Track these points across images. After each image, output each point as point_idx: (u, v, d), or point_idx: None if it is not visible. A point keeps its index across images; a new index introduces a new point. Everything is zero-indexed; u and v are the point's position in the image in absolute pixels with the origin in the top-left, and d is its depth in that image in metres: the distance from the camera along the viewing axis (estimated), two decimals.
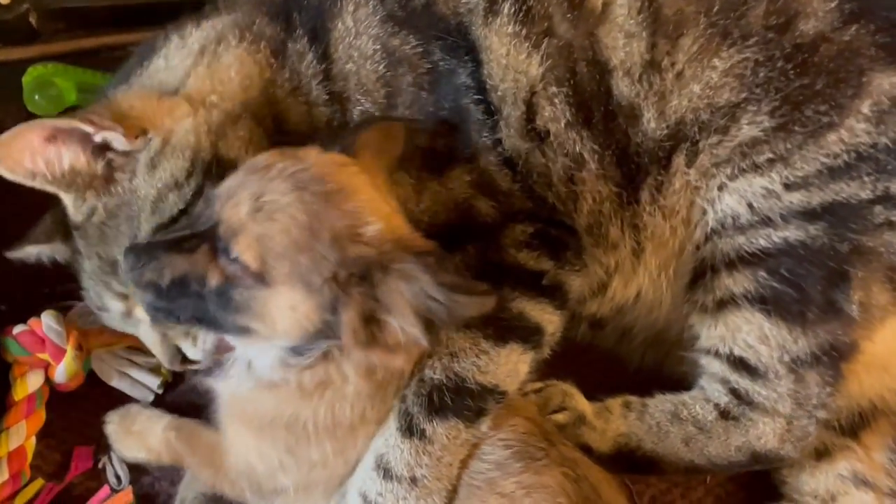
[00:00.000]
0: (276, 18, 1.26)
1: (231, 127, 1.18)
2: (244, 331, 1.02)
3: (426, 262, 0.97)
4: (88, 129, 1.12)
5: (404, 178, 1.21)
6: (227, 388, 1.15)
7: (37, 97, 1.51)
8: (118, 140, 1.13)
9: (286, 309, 0.99)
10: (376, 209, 1.02)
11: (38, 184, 1.14)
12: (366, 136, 1.11)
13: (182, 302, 1.01)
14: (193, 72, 1.21)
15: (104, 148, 1.14)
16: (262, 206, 0.97)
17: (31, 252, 1.27)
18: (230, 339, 1.10)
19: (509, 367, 1.17)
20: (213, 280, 0.99)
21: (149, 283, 1.01)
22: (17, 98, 1.53)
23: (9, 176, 1.13)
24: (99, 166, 1.15)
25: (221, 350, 1.19)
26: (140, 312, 1.22)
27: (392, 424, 1.13)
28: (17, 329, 1.35)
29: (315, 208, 0.97)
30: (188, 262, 0.99)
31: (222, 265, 0.99)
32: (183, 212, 1.15)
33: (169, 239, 1.02)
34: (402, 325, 0.98)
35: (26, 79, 1.51)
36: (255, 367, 1.10)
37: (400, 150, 1.16)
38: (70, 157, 1.13)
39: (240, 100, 1.20)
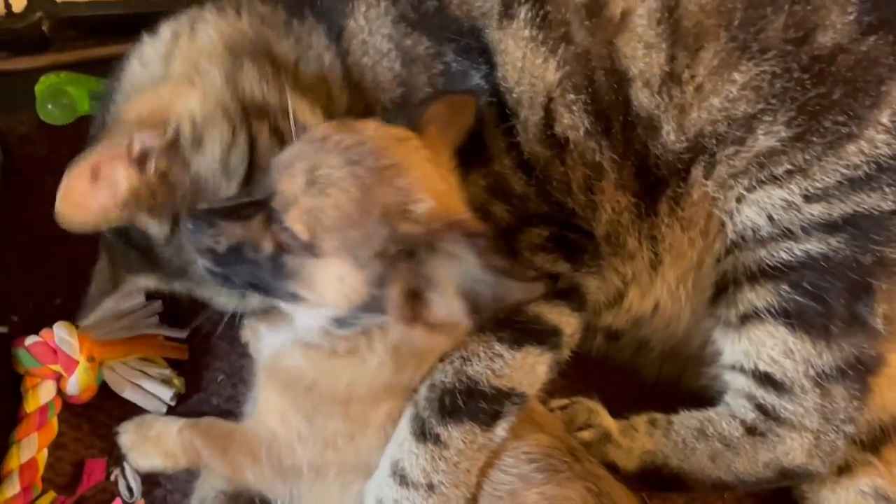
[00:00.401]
0: (275, 2, 1.25)
1: (236, 71, 1.16)
2: (294, 297, 1.05)
3: (475, 244, 0.98)
4: (120, 145, 1.10)
5: None
6: (269, 346, 1.18)
7: (49, 106, 1.50)
8: (150, 139, 1.11)
9: (334, 280, 1.01)
10: (430, 186, 1.03)
11: (114, 220, 1.13)
12: (434, 109, 1.11)
13: (238, 268, 1.04)
14: (174, 55, 1.20)
15: (144, 156, 1.12)
16: (315, 179, 0.99)
17: (96, 316, 1.27)
18: (281, 304, 1.12)
19: (526, 369, 1.16)
20: (267, 247, 1.02)
21: (207, 248, 1.03)
22: (30, 107, 1.51)
23: (89, 226, 1.12)
24: (151, 173, 1.12)
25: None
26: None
27: (405, 429, 1.12)
28: (30, 340, 1.33)
29: (367, 183, 0.99)
30: (244, 230, 1.02)
31: (275, 233, 1.01)
32: (251, 162, 1.13)
33: (226, 206, 1.05)
34: (447, 304, 0.99)
35: (39, 87, 1.50)
36: (298, 327, 1.13)
37: (469, 123, 1.16)
38: (122, 179, 1.11)
39: (231, 53, 1.18)
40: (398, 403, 1.13)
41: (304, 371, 1.12)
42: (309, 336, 1.12)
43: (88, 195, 1.10)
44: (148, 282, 1.24)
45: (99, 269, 1.26)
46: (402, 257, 1.00)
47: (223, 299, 1.21)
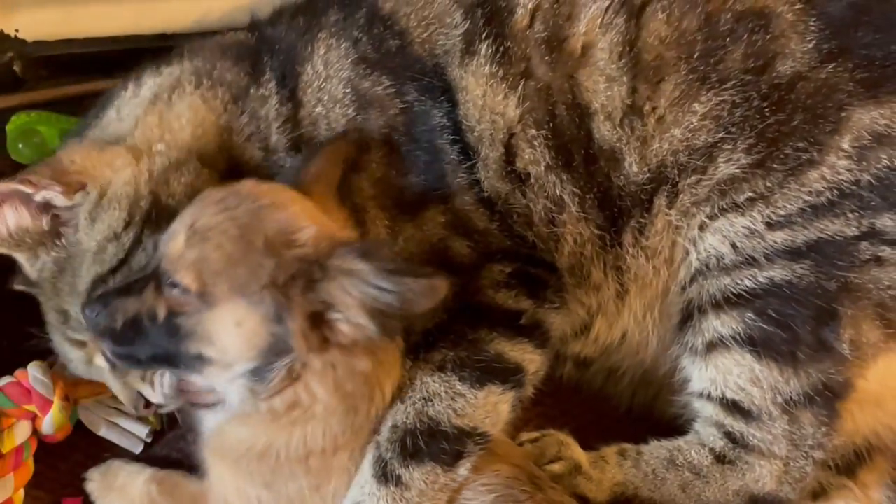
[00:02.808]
0: (242, 62, 1.26)
1: (174, 173, 1.19)
2: (200, 360, 1.04)
3: (364, 251, 0.98)
4: (28, 189, 1.14)
5: (379, 220, 1.20)
6: (208, 424, 1.17)
7: (20, 146, 1.49)
8: (57, 197, 1.15)
9: (232, 326, 1.01)
10: (311, 217, 1.04)
11: None
12: (314, 169, 1.12)
13: (138, 343, 1.05)
14: (143, 121, 1.23)
15: (48, 205, 1.16)
16: (196, 230, 1.02)
17: (19, 287, 1.28)
18: (194, 377, 1.11)
19: (488, 408, 1.16)
20: (161, 312, 1.02)
21: (105, 329, 1.05)
22: (1, 146, 1.51)
23: None
24: (45, 223, 1.17)
25: (185, 393, 1.19)
26: (100, 359, 1.22)
27: (367, 471, 1.11)
28: (3, 381, 1.33)
29: (246, 221, 1.01)
30: (137, 301, 1.04)
31: (168, 296, 1.02)
32: (123, 261, 1.16)
33: (119, 286, 1.07)
34: (350, 320, 0.99)
35: (10, 127, 1.50)
36: (227, 400, 1.11)
37: (345, 163, 1.17)
38: (15, 217, 1.16)
39: (189, 147, 1.21)
40: (360, 442, 1.12)
41: (252, 440, 1.10)
42: (240, 405, 1.09)
43: None
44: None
45: None
46: (295, 285, 0.99)
47: (63, 349, 1.25)
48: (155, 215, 1.16)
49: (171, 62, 1.29)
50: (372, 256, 0.97)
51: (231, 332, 1.01)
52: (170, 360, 1.06)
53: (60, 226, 1.18)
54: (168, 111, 1.23)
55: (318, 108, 1.22)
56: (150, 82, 1.27)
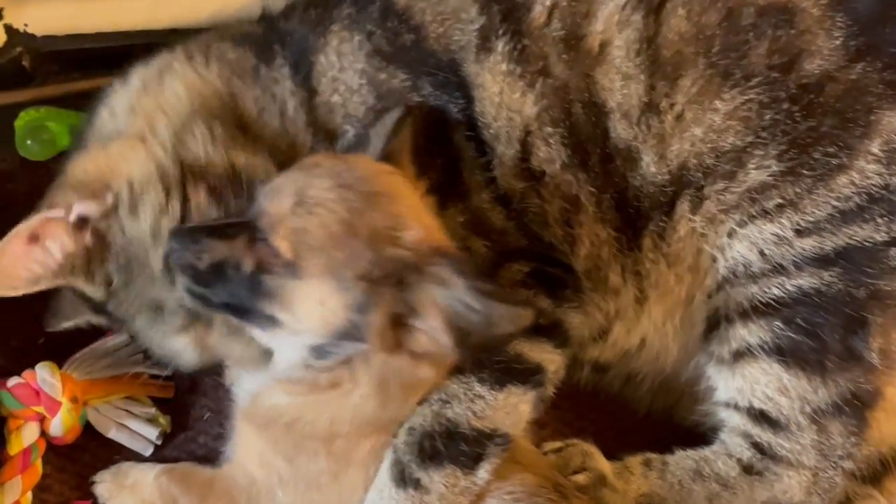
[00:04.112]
0: (246, 45, 1.25)
1: (185, 132, 1.17)
2: (271, 321, 1.04)
3: (463, 269, 0.97)
4: (59, 213, 1.12)
5: None
6: (247, 390, 1.16)
7: (29, 142, 1.48)
8: (89, 208, 1.13)
9: (314, 302, 1.00)
10: (418, 217, 1.03)
11: (44, 286, 1.15)
12: (396, 144, 1.11)
13: (217, 287, 1.03)
14: (137, 107, 1.21)
15: (83, 221, 1.14)
16: (304, 199, 1.00)
17: (67, 326, 1.28)
18: (257, 332, 1.10)
19: (508, 409, 1.14)
20: (248, 265, 1.01)
21: (188, 265, 1.04)
22: (10, 142, 1.50)
23: (13, 293, 1.14)
24: (87, 239, 1.15)
25: None
26: (214, 338, 1.20)
27: (385, 475, 1.10)
28: (12, 382, 1.32)
29: (356, 206, 0.99)
30: (227, 247, 1.02)
31: (258, 252, 1.01)
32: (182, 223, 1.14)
33: (211, 224, 1.06)
34: (431, 332, 0.98)
35: (18, 123, 1.49)
36: (277, 363, 1.11)
37: (412, 137, 1.15)
38: (57, 246, 1.13)
39: (190, 108, 1.19)
40: (383, 438, 1.11)
41: (284, 409, 1.10)
42: (289, 372, 1.10)
43: (21, 261, 1.12)
44: (103, 321, 1.25)
45: (65, 292, 1.25)
46: (387, 282, 0.98)
47: (166, 345, 1.21)
48: (189, 176, 1.15)
49: (160, 52, 1.28)
50: (469, 274, 0.96)
51: (312, 307, 1.01)
52: (241, 311, 1.05)
53: (104, 236, 1.15)
54: (160, 92, 1.21)
55: (335, 98, 1.21)
56: (139, 73, 1.26)
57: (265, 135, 1.21)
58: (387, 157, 1.10)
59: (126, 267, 1.16)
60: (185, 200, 1.14)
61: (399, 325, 1.00)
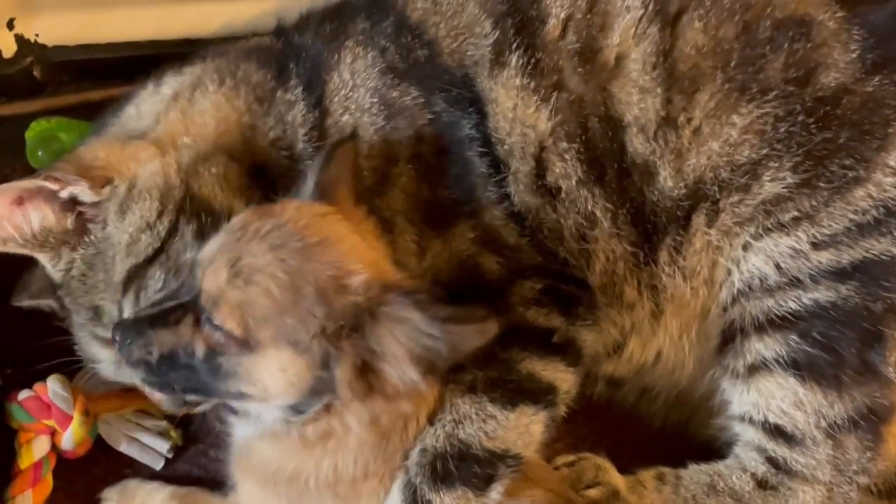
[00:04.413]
0: (268, 66, 1.24)
1: (203, 164, 1.17)
2: (240, 395, 1.01)
3: (415, 299, 0.95)
4: (53, 186, 1.11)
5: (408, 234, 1.18)
6: (238, 433, 1.14)
7: (40, 153, 1.48)
8: (84, 192, 1.13)
9: (276, 371, 0.98)
10: (360, 256, 1.00)
11: (10, 248, 1.14)
12: (330, 173, 1.08)
13: (174, 374, 1.01)
14: (164, 116, 1.21)
15: (73, 202, 1.14)
16: (240, 270, 0.96)
17: (30, 303, 1.27)
18: (230, 403, 1.08)
19: (520, 430, 1.13)
20: (200, 350, 0.98)
21: (138, 360, 1.01)
22: (21, 153, 1.50)
23: None
24: (69, 221, 1.15)
25: None
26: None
27: (396, 497, 1.09)
28: (23, 395, 1.32)
29: (295, 265, 0.96)
30: (174, 335, 0.99)
31: (207, 334, 0.98)
32: (159, 250, 1.14)
33: (153, 313, 1.02)
34: (399, 372, 0.96)
35: (29, 133, 1.49)
36: (259, 417, 1.09)
37: (354, 165, 1.13)
38: (39, 217, 1.13)
39: (214, 141, 1.19)
40: (391, 467, 1.10)
41: (280, 463, 1.08)
42: (274, 427, 1.07)
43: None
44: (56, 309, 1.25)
45: (36, 269, 1.26)
46: (345, 333, 0.96)
47: (91, 350, 1.22)
48: (189, 204, 1.15)
49: (193, 63, 1.28)
50: (423, 303, 0.94)
51: (275, 376, 0.98)
52: (207, 391, 1.03)
53: (87, 223, 1.15)
54: (190, 108, 1.21)
55: (346, 117, 1.20)
56: (172, 81, 1.26)
57: (273, 174, 1.20)
58: (320, 192, 1.06)
59: (90, 261, 1.16)
60: (171, 229, 1.14)
61: (366, 371, 0.98)
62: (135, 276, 1.14)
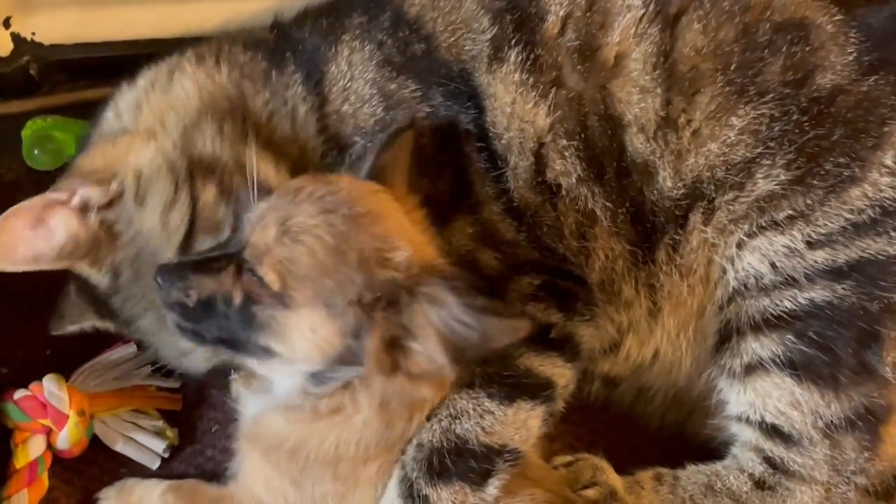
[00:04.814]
0: (257, 49, 1.25)
1: (195, 130, 1.17)
2: (266, 352, 1.02)
3: (454, 286, 0.96)
4: (62, 196, 1.12)
5: None
6: (248, 410, 1.16)
7: (36, 151, 1.47)
8: (93, 194, 1.14)
9: (307, 331, 0.99)
10: (406, 235, 1.01)
11: (45, 265, 1.15)
12: (387, 158, 1.10)
13: (208, 322, 1.03)
14: (145, 105, 1.21)
15: (87, 207, 1.14)
16: (288, 228, 0.98)
17: (73, 329, 1.27)
18: (253, 363, 1.09)
19: (517, 425, 1.13)
20: (237, 298, 1.00)
21: (176, 302, 1.03)
22: (17, 151, 1.49)
23: (12, 269, 1.14)
24: (94, 225, 1.14)
25: None
26: None
27: (393, 491, 1.09)
28: (18, 394, 1.31)
29: (343, 230, 0.97)
30: (214, 282, 1.01)
31: (247, 284, 0.99)
32: (192, 221, 1.14)
33: (196, 259, 1.04)
34: (428, 352, 0.96)
35: (25, 132, 1.48)
36: (275, 389, 1.11)
37: (410, 152, 1.14)
38: (61, 229, 1.13)
39: (199, 106, 1.19)
40: (390, 457, 1.10)
41: (286, 435, 1.09)
42: (289, 399, 1.09)
43: (22, 238, 1.12)
44: (109, 326, 1.24)
45: (70, 292, 1.25)
46: (380, 306, 0.97)
47: (175, 345, 1.21)
48: (197, 170, 1.15)
49: (169, 55, 1.28)
50: (461, 290, 0.95)
51: (305, 335, 0.99)
52: (235, 344, 1.04)
53: (112, 226, 1.15)
54: (169, 90, 1.22)
55: (345, 107, 1.21)
56: (146, 73, 1.26)
57: (275, 139, 1.20)
58: (376, 173, 1.08)
59: (136, 260, 1.16)
60: (194, 196, 1.14)
61: (395, 346, 0.98)
62: (187, 252, 1.14)
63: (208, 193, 1.14)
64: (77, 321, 1.26)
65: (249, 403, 1.16)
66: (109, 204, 1.15)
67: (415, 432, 1.10)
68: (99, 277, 1.17)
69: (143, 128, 1.19)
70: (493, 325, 0.95)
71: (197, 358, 1.22)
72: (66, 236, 1.13)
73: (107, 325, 1.25)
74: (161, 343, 1.22)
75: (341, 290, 0.97)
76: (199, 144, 1.16)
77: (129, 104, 1.23)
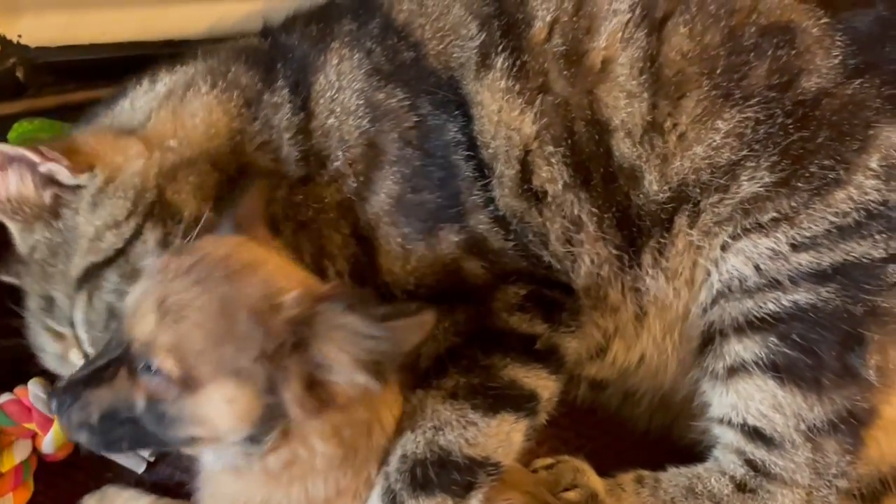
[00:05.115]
0: (256, 67, 1.24)
1: (184, 171, 1.16)
2: (191, 441, 0.98)
3: (349, 304, 0.93)
4: (35, 158, 1.12)
5: (392, 237, 1.17)
6: (204, 463, 1.11)
7: None
8: (62, 173, 1.13)
9: (222, 406, 0.94)
10: (287, 275, 0.99)
11: None
12: (244, 211, 1.06)
13: (118, 432, 0.97)
14: (156, 114, 1.21)
15: (51, 180, 1.14)
16: (167, 309, 0.92)
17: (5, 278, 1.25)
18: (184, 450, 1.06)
19: (500, 437, 1.13)
20: (140, 401, 0.95)
21: (80, 423, 0.97)
22: None
23: None
24: (46, 198, 1.14)
25: None
26: (74, 356, 1.18)
27: (376, 503, 1.08)
28: (3, 398, 1.31)
29: (223, 292, 0.93)
30: (111, 391, 0.96)
31: (144, 383, 0.94)
32: (120, 252, 1.12)
33: (86, 374, 0.97)
34: (346, 379, 0.94)
35: (12, 135, 1.46)
36: (221, 458, 1.06)
37: (264, 203, 1.12)
38: (17, 184, 1.13)
39: (201, 147, 1.19)
40: (362, 479, 1.09)
41: (247, 496, 1.05)
42: (236, 460, 1.04)
43: None
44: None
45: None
46: (286, 351, 0.94)
47: (38, 338, 1.20)
48: (158, 209, 1.14)
49: (186, 62, 1.28)
50: (357, 306, 0.93)
51: (222, 410, 0.95)
52: (157, 443, 1.01)
53: (61, 206, 1.15)
54: (182, 108, 1.21)
55: (331, 120, 1.19)
56: (166, 79, 1.26)
57: (258, 175, 1.19)
58: (238, 225, 1.05)
59: (54, 248, 1.15)
60: (137, 230, 1.13)
61: (314, 385, 0.96)
62: (91, 275, 1.12)
63: (150, 237, 1.13)
64: (7, 274, 1.25)
65: (205, 457, 1.10)
66: (71, 190, 1.14)
67: (382, 445, 1.09)
68: (21, 242, 1.17)
69: (145, 136, 1.19)
70: (399, 328, 0.93)
71: (50, 360, 1.21)
72: (17, 193, 1.13)
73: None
74: (30, 327, 1.21)
75: (243, 350, 0.93)
76: (178, 188, 1.15)
77: (145, 105, 1.23)
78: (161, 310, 0.92)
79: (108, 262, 1.12)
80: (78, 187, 1.14)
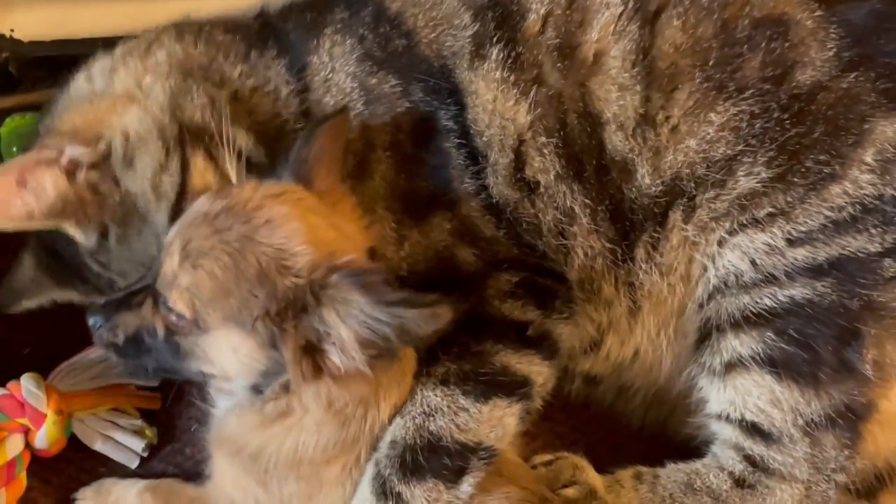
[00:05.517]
0: (236, 32, 1.24)
1: (183, 96, 1.17)
2: (202, 375, 1.05)
3: (362, 282, 0.94)
4: (51, 154, 1.12)
5: (387, 222, 1.18)
6: (218, 409, 1.16)
7: (15, 149, 1.45)
8: (82, 152, 1.13)
9: (228, 351, 1.00)
10: (311, 236, 0.99)
11: (37, 224, 1.14)
12: (317, 149, 1.08)
13: (142, 356, 1.05)
14: (121, 69, 1.20)
15: (76, 166, 1.13)
16: (188, 253, 0.98)
17: (29, 306, 1.26)
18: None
19: (493, 422, 1.13)
20: (160, 330, 1.02)
21: (108, 343, 1.04)
22: None
23: (6, 226, 1.13)
24: (82, 186, 1.13)
25: None
26: None
27: (366, 488, 1.09)
28: None
29: (237, 247, 0.97)
30: (137, 317, 1.03)
31: (164, 315, 1.01)
32: (183, 185, 1.13)
33: (120, 297, 1.05)
34: (343, 353, 0.96)
35: (4, 130, 1.46)
36: (224, 402, 1.12)
37: (345, 138, 1.13)
38: (49, 186, 1.12)
39: (179, 70, 1.18)
40: (353, 456, 1.09)
41: (245, 439, 1.09)
42: (243, 401, 1.09)
43: (13, 196, 1.11)
44: (72, 296, 1.24)
45: (23, 266, 1.25)
46: (288, 314, 0.97)
47: None
48: (188, 136, 1.15)
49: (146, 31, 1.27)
50: (368, 286, 0.93)
51: (228, 356, 1.01)
52: (175, 371, 1.06)
53: (98, 187, 1.14)
54: (146, 58, 1.20)
55: (327, 98, 1.20)
56: (123, 44, 1.25)
57: (257, 112, 1.20)
58: (297, 168, 1.06)
59: (124, 221, 1.15)
60: (184, 161, 1.14)
61: (312, 352, 0.98)
62: (178, 215, 1.11)
63: (198, 159, 1.14)
64: (34, 296, 1.25)
65: (219, 403, 1.16)
66: (97, 163, 1.14)
67: (376, 430, 1.10)
68: (84, 237, 1.16)
69: (120, 91, 1.18)
70: (409, 316, 0.93)
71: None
72: (55, 195, 1.12)
73: (69, 296, 1.24)
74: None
75: (246, 307, 0.97)
76: (189, 109, 1.16)
77: (102, 69, 1.22)
78: (183, 252, 0.98)
79: (180, 197, 1.13)
80: (99, 161, 1.14)
